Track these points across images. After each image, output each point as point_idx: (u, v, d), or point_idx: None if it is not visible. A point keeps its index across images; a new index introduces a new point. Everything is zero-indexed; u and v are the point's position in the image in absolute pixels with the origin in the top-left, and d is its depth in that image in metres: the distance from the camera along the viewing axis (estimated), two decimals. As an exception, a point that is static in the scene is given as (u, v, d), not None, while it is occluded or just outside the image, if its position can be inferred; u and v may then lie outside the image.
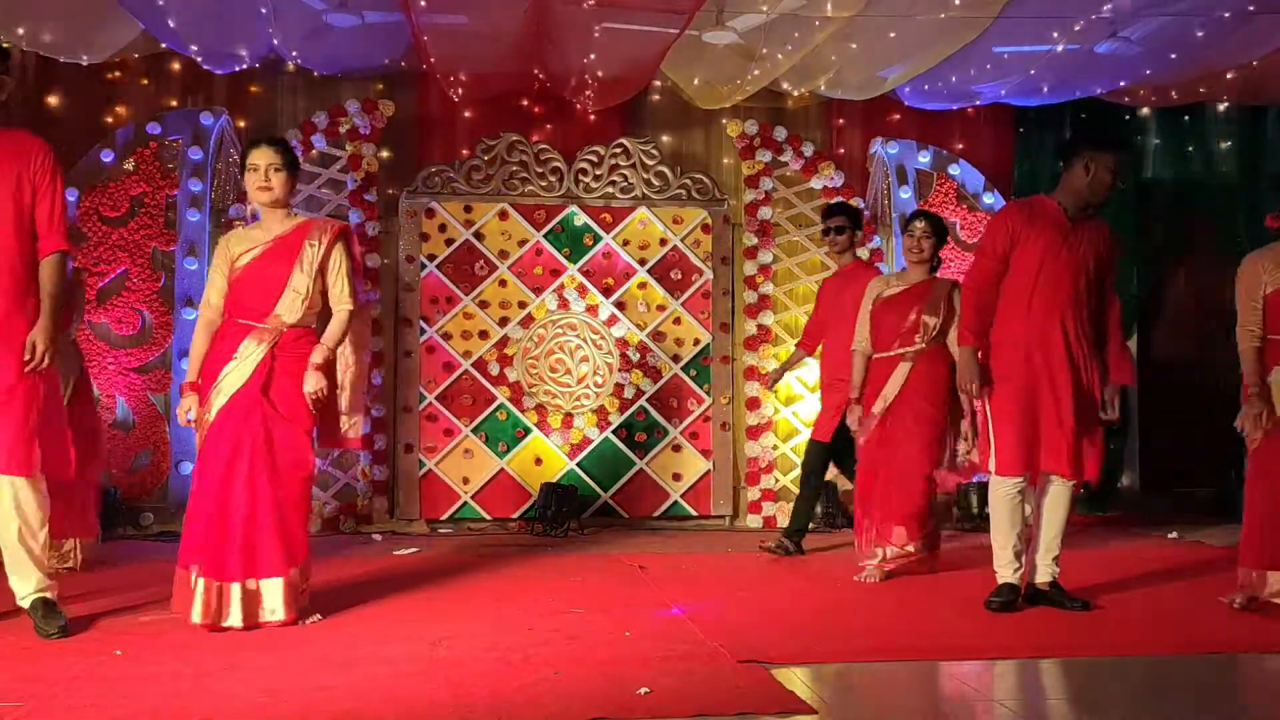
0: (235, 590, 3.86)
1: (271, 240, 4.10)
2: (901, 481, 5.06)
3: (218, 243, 4.22)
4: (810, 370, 6.98)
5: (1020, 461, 4.36)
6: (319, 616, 4.07)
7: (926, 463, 5.05)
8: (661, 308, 7.22)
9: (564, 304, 7.13)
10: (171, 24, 5.99)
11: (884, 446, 5.11)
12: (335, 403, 4.17)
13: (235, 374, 3.95)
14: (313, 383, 4.02)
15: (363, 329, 4.29)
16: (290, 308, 4.04)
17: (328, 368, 4.09)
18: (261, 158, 4.07)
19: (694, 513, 7.12)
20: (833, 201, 6.48)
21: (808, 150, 7.33)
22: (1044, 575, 4.45)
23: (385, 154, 7.05)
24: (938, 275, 5.25)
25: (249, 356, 3.97)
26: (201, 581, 3.85)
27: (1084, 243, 4.41)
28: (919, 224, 5.17)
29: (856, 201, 7.28)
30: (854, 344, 5.30)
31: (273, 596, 3.92)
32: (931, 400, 5.07)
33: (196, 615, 3.84)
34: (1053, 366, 4.33)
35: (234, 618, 3.85)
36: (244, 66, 6.75)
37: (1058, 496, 4.45)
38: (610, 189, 7.17)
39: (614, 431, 7.10)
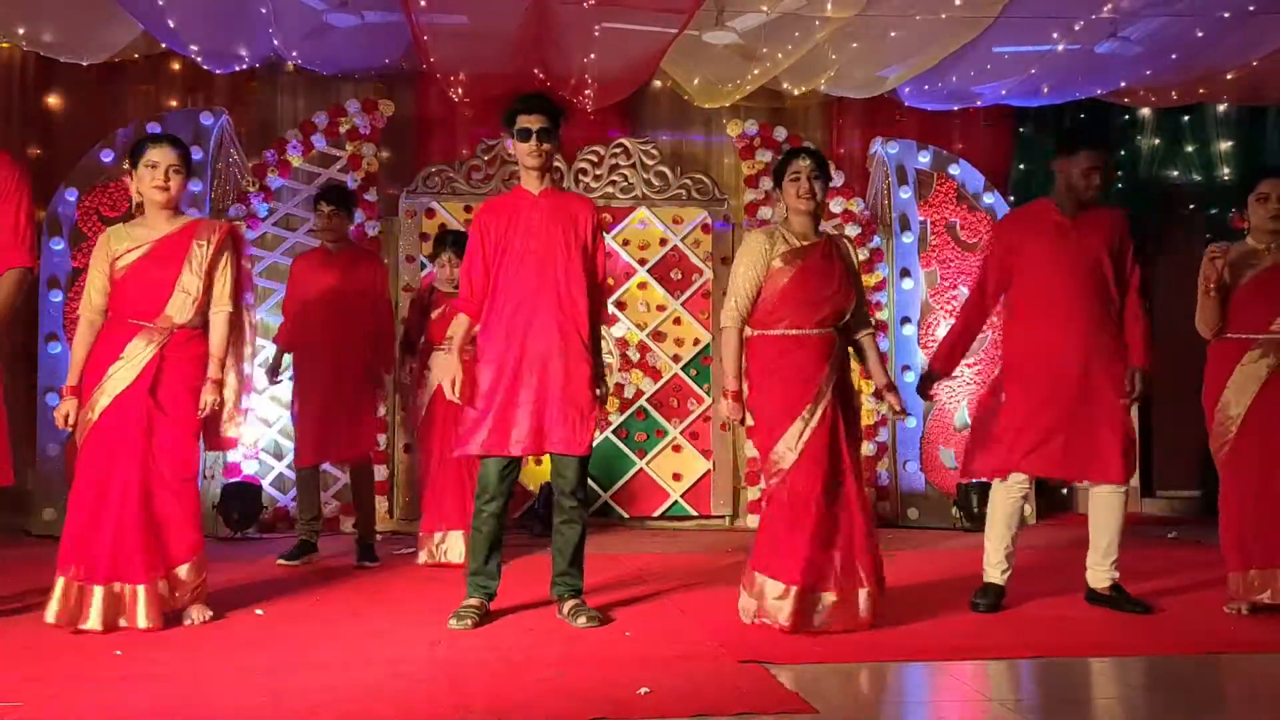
0: (98, 593, 3.79)
1: (156, 240, 4.01)
2: (865, 516, 3.99)
3: (98, 240, 4.10)
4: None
5: (1011, 462, 4.34)
6: (210, 615, 3.99)
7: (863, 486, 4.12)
8: (661, 308, 7.22)
9: (564, 304, 7.11)
10: (171, 24, 5.99)
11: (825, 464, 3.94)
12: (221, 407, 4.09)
13: (122, 374, 3.89)
14: (210, 397, 3.99)
15: (241, 331, 4.19)
16: (181, 308, 3.98)
17: (219, 378, 4.04)
18: (162, 157, 3.98)
19: (694, 513, 7.11)
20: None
21: (808, 150, 7.32)
22: (1102, 581, 4.40)
23: (385, 154, 7.05)
24: (826, 231, 4.29)
25: (137, 357, 3.91)
26: (61, 581, 3.81)
27: (1088, 236, 4.37)
28: (803, 162, 4.06)
29: (856, 201, 7.29)
30: (726, 319, 4.13)
31: (138, 603, 3.84)
32: (853, 392, 4.20)
33: (51, 615, 3.78)
34: (1070, 370, 4.30)
35: (93, 620, 3.77)
36: (244, 66, 6.75)
37: (1105, 503, 4.38)
38: (610, 189, 7.17)
39: (614, 431, 7.09)
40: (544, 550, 5.97)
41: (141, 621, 3.82)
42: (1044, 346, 4.34)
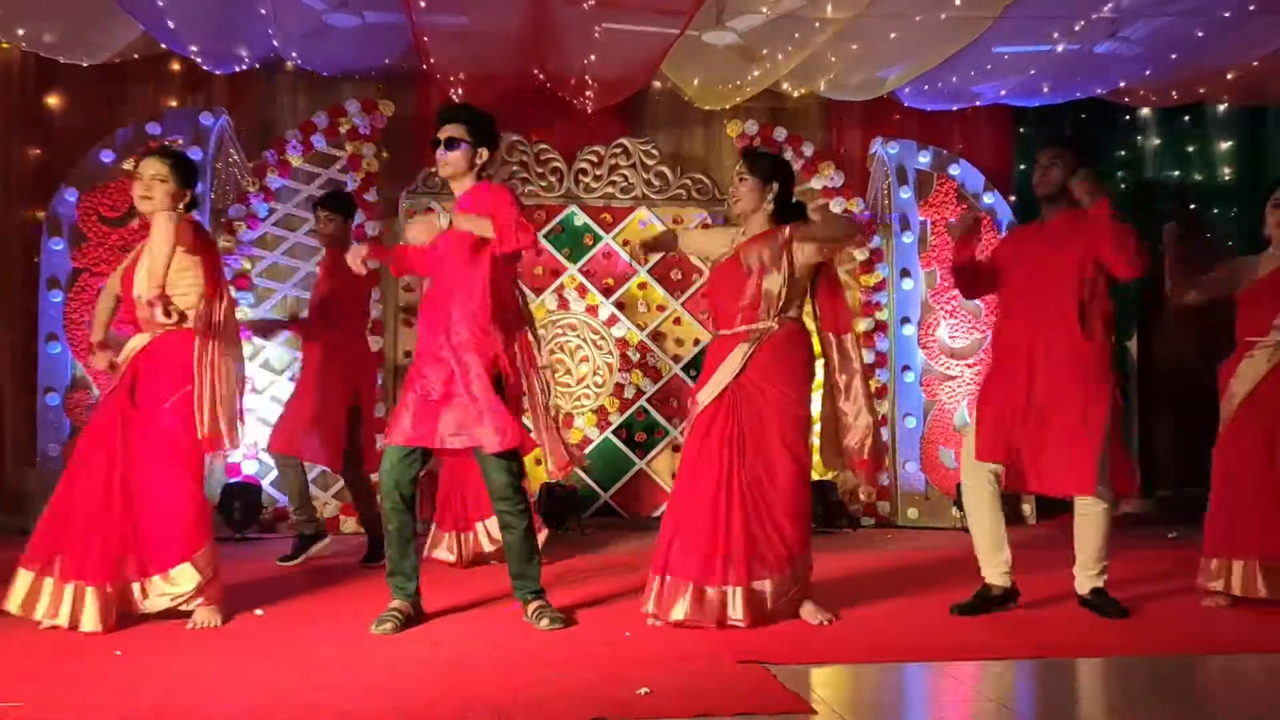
0: (48, 585, 3.88)
1: (140, 246, 4.18)
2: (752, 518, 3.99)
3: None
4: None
5: (983, 450, 4.28)
6: (218, 622, 3.98)
7: (797, 489, 4.03)
8: (661, 308, 7.22)
9: (564, 304, 7.13)
10: (171, 24, 5.98)
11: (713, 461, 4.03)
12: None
13: (117, 375, 4.07)
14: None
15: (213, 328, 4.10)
16: (138, 305, 4.07)
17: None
18: (143, 168, 4.09)
19: (694, 513, 7.10)
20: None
21: (808, 150, 7.32)
22: (1081, 588, 4.36)
23: (385, 154, 7.06)
24: (784, 225, 4.12)
25: (126, 355, 4.08)
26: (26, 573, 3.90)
27: (1059, 240, 4.26)
28: (738, 165, 4.23)
29: (856, 202, 7.29)
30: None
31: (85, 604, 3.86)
32: (790, 398, 4.03)
33: (13, 605, 3.86)
34: (1024, 374, 4.26)
35: (60, 616, 3.82)
36: (244, 66, 6.75)
37: (1081, 518, 4.29)
38: (610, 189, 7.17)
39: (614, 431, 7.10)
40: (544, 550, 5.97)
41: (88, 624, 3.79)
42: (1005, 348, 4.39)
